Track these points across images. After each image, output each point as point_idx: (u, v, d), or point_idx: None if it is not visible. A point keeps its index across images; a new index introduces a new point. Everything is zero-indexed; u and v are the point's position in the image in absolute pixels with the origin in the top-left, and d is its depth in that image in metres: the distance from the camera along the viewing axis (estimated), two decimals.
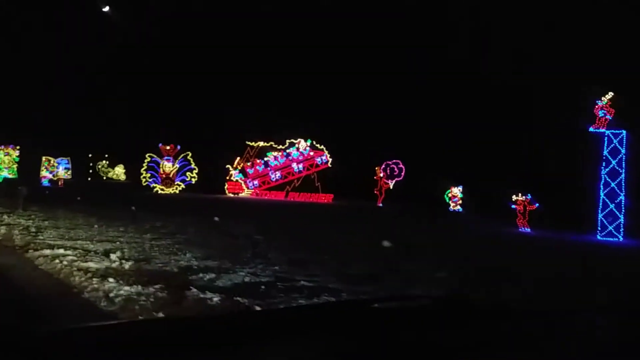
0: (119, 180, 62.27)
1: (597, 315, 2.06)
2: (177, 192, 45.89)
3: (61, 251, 8.47)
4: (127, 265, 7.87)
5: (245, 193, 43.48)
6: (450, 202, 39.25)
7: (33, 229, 11.56)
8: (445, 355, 1.37)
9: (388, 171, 42.28)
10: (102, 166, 63.47)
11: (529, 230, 22.61)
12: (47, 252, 8.36)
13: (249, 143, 43.53)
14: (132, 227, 13.67)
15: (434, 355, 1.36)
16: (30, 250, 8.51)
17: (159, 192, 45.50)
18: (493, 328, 1.68)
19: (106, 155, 62.96)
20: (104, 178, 62.19)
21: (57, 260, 7.58)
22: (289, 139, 42.44)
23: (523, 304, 6.64)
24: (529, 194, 23.34)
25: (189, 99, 46.92)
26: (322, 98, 43.64)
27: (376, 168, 42.37)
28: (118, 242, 10.59)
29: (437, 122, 40.98)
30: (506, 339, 1.57)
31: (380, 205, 40.91)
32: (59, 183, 50.50)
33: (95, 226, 13.24)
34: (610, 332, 1.74)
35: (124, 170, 63.58)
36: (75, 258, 7.96)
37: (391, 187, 42.19)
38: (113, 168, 64.05)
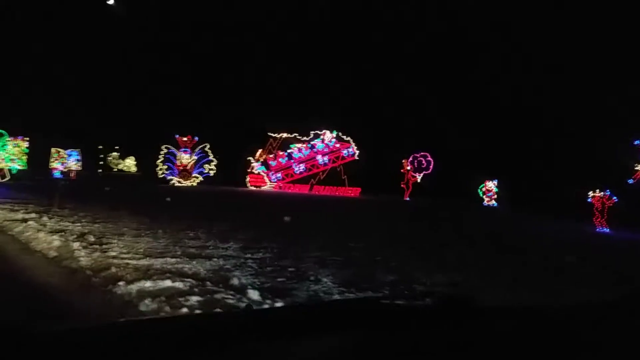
0: (130, 172, 58.85)
1: (599, 313, 1.80)
2: (195, 184, 42.82)
3: (167, 283, 5.32)
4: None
5: (268, 186, 40.29)
6: (484, 196, 36.37)
7: (91, 238, 8.39)
8: (446, 356, 1.31)
9: (416, 164, 39.35)
10: (113, 158, 59.80)
11: (608, 230, 19.71)
12: (148, 284, 5.22)
13: (272, 134, 40.29)
14: (201, 231, 10.59)
15: (434, 356, 1.31)
16: (119, 283, 5.35)
17: (176, 184, 42.43)
18: (493, 328, 1.57)
19: (117, 147, 59.39)
20: (114, 169, 58.64)
21: (183, 308, 4.48)
22: (314, 130, 39.25)
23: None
24: (607, 190, 20.38)
25: (206, 87, 43.42)
26: (348, 87, 40.40)
27: (403, 160, 39.42)
28: (214, 259, 7.45)
29: (470, 112, 37.93)
30: (507, 339, 1.44)
31: (407, 199, 38.02)
32: (71, 175, 47.27)
33: (160, 231, 10.10)
34: (612, 331, 1.53)
35: (134, 162, 60.11)
36: (200, 297, 4.86)
37: (419, 180, 39.28)
38: (124, 160, 60.44)
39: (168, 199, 19.94)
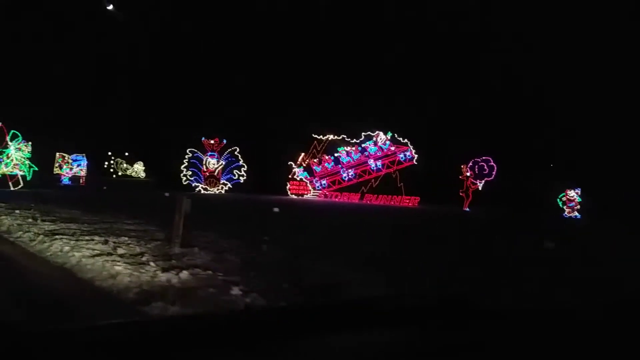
0: (139, 177, 52.72)
1: (598, 314, 1.73)
2: (223, 192, 37.09)
3: None
4: None
5: (311, 194, 34.59)
6: (565, 207, 31.32)
7: None
8: (445, 356, 1.29)
9: (476, 170, 34.16)
10: (120, 163, 53.48)
11: None
12: None
13: (316, 136, 34.59)
14: None
15: (434, 355, 1.29)
16: None
17: (202, 191, 36.68)
18: (492, 328, 1.52)
19: (126, 154, 53.15)
20: (118, 175, 52.40)
21: None
22: (365, 131, 33.76)
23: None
24: None
25: (239, 81, 37.30)
26: (403, 82, 34.95)
27: (462, 166, 34.19)
28: None
29: (538, 110, 32.81)
30: (506, 339, 1.42)
31: (467, 209, 32.79)
32: (81, 181, 41.42)
33: None
34: (611, 331, 1.48)
35: (143, 168, 53.94)
36: None
37: (480, 188, 34.08)
38: (132, 165, 54.11)
39: (167, 194, 17.10)
